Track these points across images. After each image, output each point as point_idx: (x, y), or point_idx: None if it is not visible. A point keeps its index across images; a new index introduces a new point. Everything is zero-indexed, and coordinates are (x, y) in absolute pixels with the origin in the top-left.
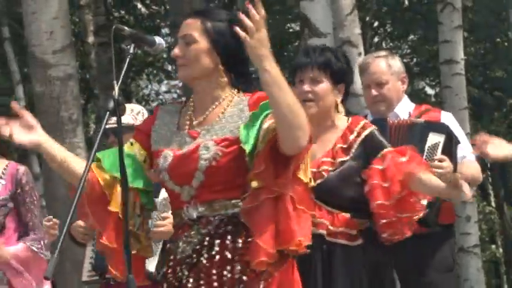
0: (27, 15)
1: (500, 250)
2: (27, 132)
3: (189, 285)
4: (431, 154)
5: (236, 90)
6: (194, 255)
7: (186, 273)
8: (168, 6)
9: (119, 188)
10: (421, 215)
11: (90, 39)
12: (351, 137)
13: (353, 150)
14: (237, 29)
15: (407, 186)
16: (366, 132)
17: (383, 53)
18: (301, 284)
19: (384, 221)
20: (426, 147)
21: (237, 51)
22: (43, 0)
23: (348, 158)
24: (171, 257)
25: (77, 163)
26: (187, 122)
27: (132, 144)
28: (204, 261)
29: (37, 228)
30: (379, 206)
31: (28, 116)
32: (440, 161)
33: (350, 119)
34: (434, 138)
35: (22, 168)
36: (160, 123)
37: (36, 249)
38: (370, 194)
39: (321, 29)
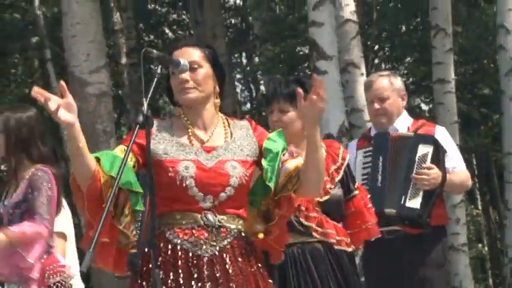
0: (67, 39)
1: (486, 248)
2: (66, 111)
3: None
4: (421, 163)
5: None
6: (213, 261)
7: (206, 269)
8: (192, 32)
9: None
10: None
11: (123, 60)
12: (340, 160)
13: (341, 172)
14: (315, 96)
15: None
16: (347, 160)
17: (386, 72)
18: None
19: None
20: (417, 157)
21: (224, 78)
22: (81, 26)
23: (339, 178)
24: (180, 253)
25: (88, 156)
26: (192, 137)
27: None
28: (226, 265)
29: (38, 215)
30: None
31: (70, 98)
32: (428, 168)
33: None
34: (424, 149)
35: (40, 169)
36: (159, 136)
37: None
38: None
39: (327, 52)
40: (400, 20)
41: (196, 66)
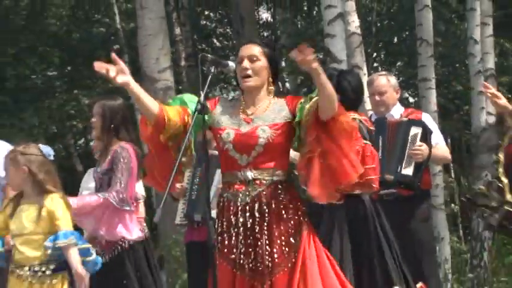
0: (141, 47)
1: (458, 207)
2: (121, 74)
3: (248, 220)
4: (414, 140)
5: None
6: (251, 204)
7: (247, 214)
8: (235, 41)
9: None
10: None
11: (182, 63)
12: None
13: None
14: (300, 51)
15: None
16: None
17: (384, 72)
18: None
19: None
20: (409, 136)
21: (277, 69)
22: (152, 37)
23: None
24: (227, 204)
25: (149, 99)
26: (241, 112)
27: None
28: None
29: (117, 185)
30: None
31: (122, 64)
32: (420, 145)
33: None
34: (415, 130)
35: (122, 146)
36: (220, 109)
37: (112, 200)
38: None
39: (338, 57)
40: (393, 33)
41: (255, 58)
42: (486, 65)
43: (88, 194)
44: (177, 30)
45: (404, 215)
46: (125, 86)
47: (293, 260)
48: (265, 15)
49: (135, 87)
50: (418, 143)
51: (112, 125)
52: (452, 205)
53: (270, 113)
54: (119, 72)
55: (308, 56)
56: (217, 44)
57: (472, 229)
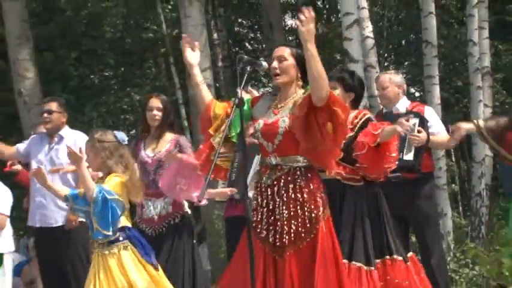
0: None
1: (458, 187)
2: (192, 55)
3: (270, 201)
4: (413, 129)
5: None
6: (271, 187)
7: (269, 193)
8: (264, 45)
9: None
10: (393, 166)
11: (219, 64)
12: (355, 121)
13: (355, 129)
14: (296, 21)
15: (377, 138)
16: (364, 118)
17: (390, 71)
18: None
19: (365, 165)
20: (410, 124)
21: (304, 68)
22: (194, 40)
23: (352, 134)
24: (259, 184)
25: (204, 90)
26: (273, 106)
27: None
28: (278, 191)
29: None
30: (359, 156)
31: (195, 42)
32: (419, 131)
33: (356, 111)
34: (413, 120)
35: (181, 137)
36: (259, 104)
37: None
38: (356, 147)
39: (355, 58)
40: (402, 37)
41: (283, 59)
42: (483, 64)
43: None
44: (215, 35)
45: (410, 194)
46: (189, 66)
47: (307, 239)
48: (290, 21)
49: (198, 74)
50: (418, 128)
51: (169, 118)
52: (453, 185)
53: (291, 105)
54: (190, 50)
55: (307, 24)
56: (249, 47)
57: (471, 206)
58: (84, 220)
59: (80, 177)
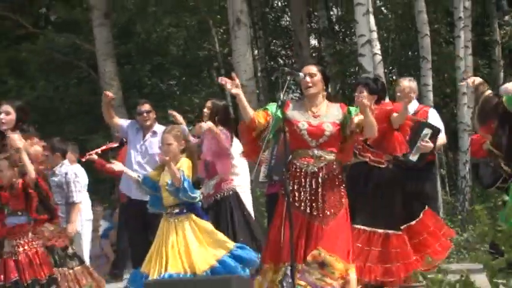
0: (235, 63)
1: (445, 172)
2: (235, 88)
3: (313, 184)
4: (425, 137)
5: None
6: (317, 173)
7: (308, 179)
8: (294, 60)
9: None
10: (403, 151)
11: (259, 74)
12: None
13: None
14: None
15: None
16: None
17: (408, 78)
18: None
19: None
20: (421, 134)
21: (328, 82)
22: (241, 57)
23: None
24: (299, 170)
25: (248, 107)
26: (308, 110)
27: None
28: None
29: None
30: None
31: (237, 80)
32: (427, 142)
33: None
34: (427, 130)
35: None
36: (292, 108)
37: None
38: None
39: (367, 70)
40: (402, 54)
41: (313, 75)
42: (467, 75)
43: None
44: (256, 52)
45: (416, 176)
46: (236, 96)
47: (335, 214)
48: (313, 41)
49: (242, 98)
50: (426, 139)
51: (216, 117)
52: (441, 170)
53: (330, 114)
54: (233, 86)
55: (365, 104)
56: (282, 62)
57: (458, 186)
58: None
59: (170, 171)
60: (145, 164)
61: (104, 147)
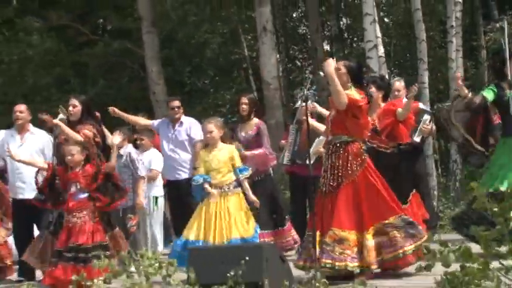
0: (262, 65)
1: (437, 156)
2: None
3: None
4: (425, 122)
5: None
6: (330, 152)
7: (327, 156)
8: (310, 61)
9: None
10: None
11: (280, 74)
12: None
13: None
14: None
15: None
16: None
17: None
18: None
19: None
20: (423, 119)
21: (353, 75)
22: (267, 59)
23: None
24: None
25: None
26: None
27: None
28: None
29: (266, 145)
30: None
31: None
32: (427, 125)
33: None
34: (426, 116)
35: (261, 123)
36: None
37: (266, 151)
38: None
39: (374, 70)
40: (403, 56)
41: (337, 69)
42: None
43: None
44: (277, 56)
45: (409, 157)
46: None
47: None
48: (326, 46)
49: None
50: (427, 123)
51: (254, 110)
52: (435, 155)
53: None
54: None
55: (327, 66)
56: (299, 64)
57: (449, 169)
58: None
59: (240, 157)
60: (176, 149)
61: None
